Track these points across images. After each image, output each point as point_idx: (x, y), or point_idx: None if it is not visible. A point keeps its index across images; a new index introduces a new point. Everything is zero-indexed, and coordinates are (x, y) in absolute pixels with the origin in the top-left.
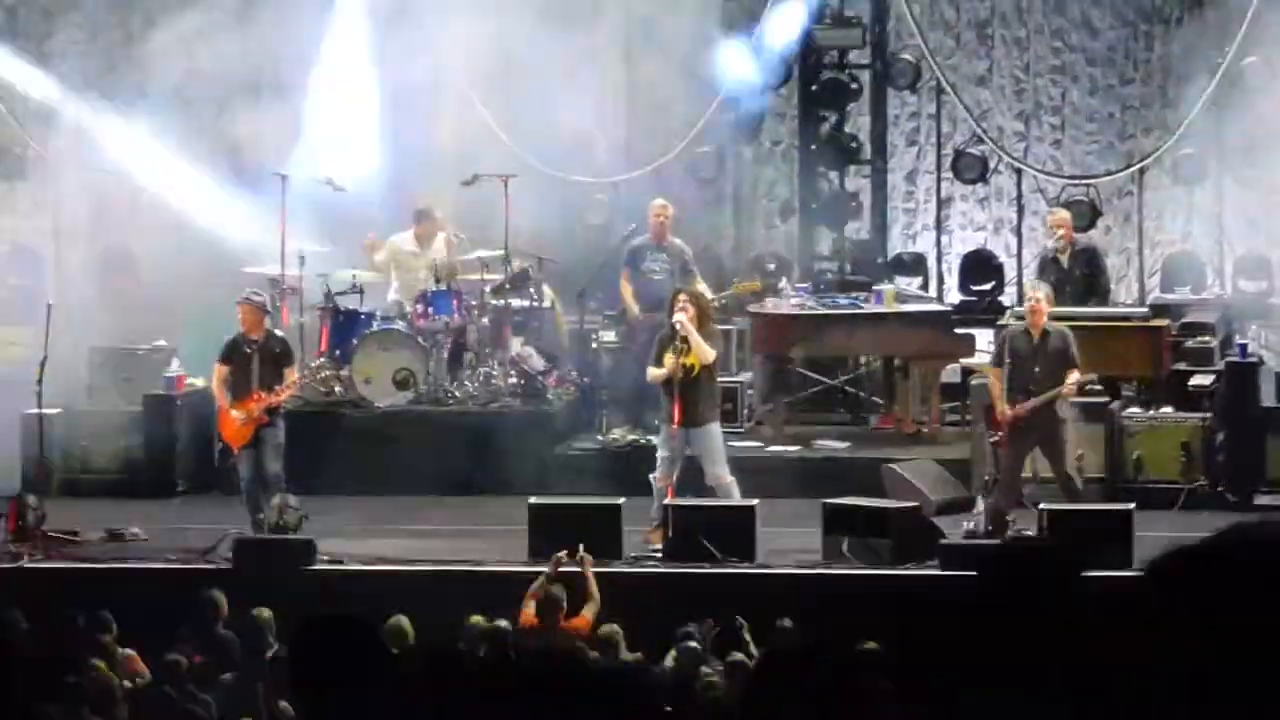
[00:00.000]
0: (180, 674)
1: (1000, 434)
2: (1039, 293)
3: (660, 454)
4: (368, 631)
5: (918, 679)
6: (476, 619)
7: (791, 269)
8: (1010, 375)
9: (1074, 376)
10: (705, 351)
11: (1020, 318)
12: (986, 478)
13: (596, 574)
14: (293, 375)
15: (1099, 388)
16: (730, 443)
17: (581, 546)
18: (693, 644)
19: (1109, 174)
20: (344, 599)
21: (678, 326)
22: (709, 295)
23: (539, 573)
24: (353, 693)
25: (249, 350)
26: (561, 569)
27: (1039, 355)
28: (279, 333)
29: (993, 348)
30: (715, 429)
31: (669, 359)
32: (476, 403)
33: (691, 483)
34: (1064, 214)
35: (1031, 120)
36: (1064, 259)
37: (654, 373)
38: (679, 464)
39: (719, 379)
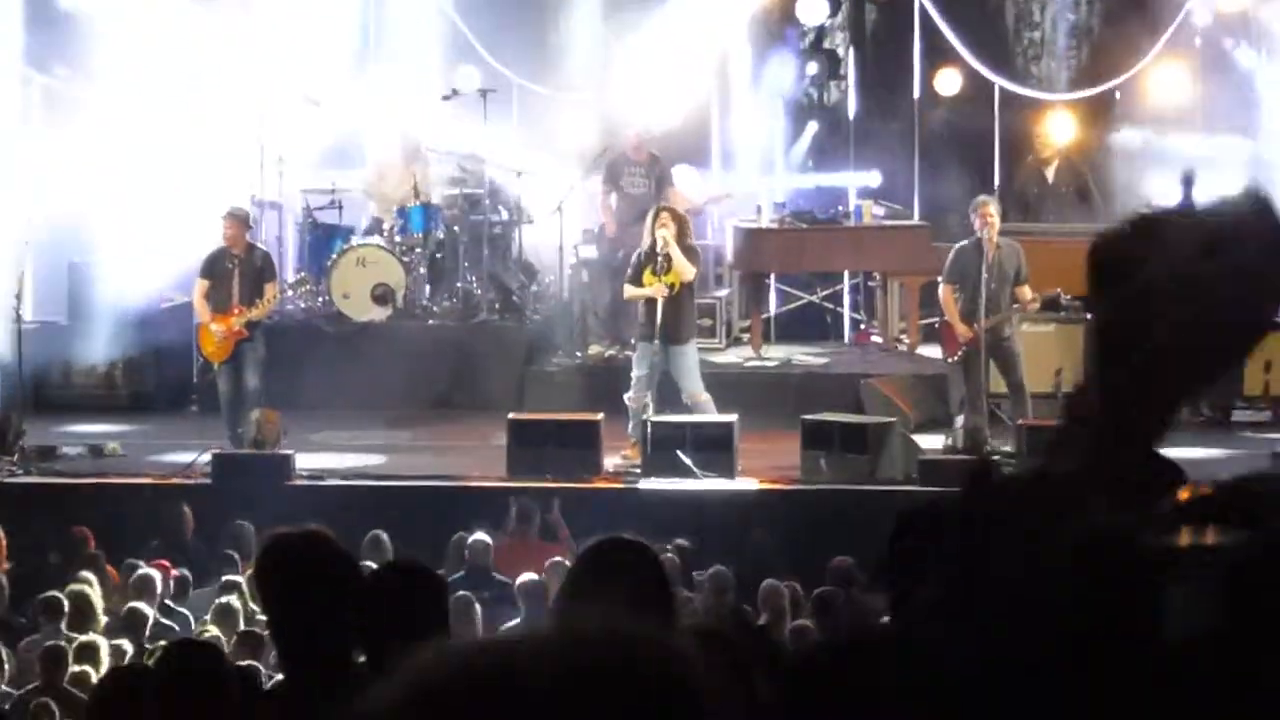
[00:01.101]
0: (155, 588)
1: (958, 353)
2: (991, 206)
3: (637, 372)
4: (334, 546)
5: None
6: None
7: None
8: (964, 292)
9: (1025, 293)
10: (686, 269)
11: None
12: (962, 393)
13: (569, 489)
14: (273, 290)
15: (1076, 303)
16: (709, 358)
17: None
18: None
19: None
20: (323, 514)
21: (659, 244)
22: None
23: (519, 487)
24: (322, 606)
25: (230, 265)
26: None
27: (991, 271)
28: (261, 247)
29: (946, 265)
30: (692, 347)
31: (649, 277)
32: (455, 318)
33: (668, 401)
34: (1048, 126)
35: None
36: (1048, 172)
37: (632, 291)
38: (655, 381)
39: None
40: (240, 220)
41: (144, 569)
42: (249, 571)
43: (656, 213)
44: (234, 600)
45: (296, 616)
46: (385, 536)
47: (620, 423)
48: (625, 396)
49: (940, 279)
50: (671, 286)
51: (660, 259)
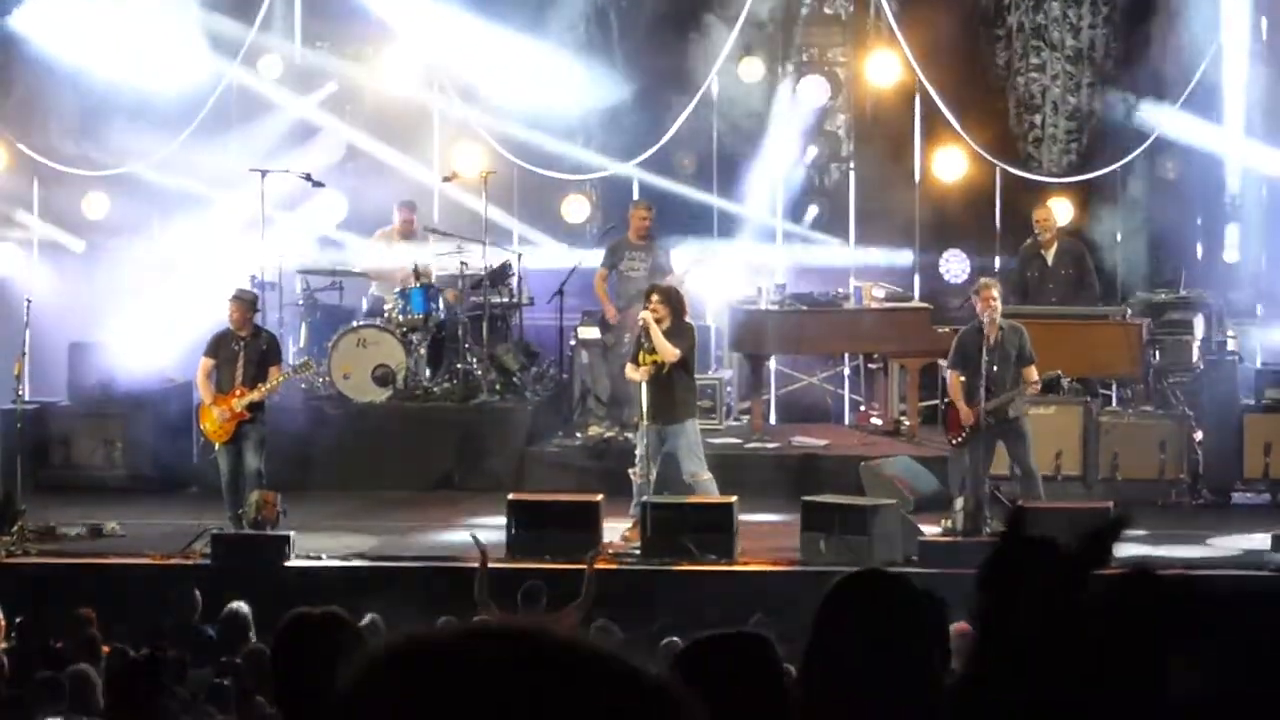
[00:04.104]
0: (155, 668)
1: (961, 435)
2: (993, 289)
3: (637, 451)
4: (352, 631)
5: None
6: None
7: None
8: (967, 375)
9: (1031, 374)
10: (666, 349)
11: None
12: (963, 475)
13: (576, 571)
14: (277, 373)
15: (1077, 386)
16: (709, 440)
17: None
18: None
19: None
20: (321, 595)
21: (640, 324)
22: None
23: (518, 569)
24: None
25: (235, 346)
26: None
27: (994, 353)
28: (267, 330)
29: (950, 350)
30: (690, 426)
31: (643, 356)
32: (455, 399)
33: (671, 480)
34: (1049, 209)
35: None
36: (1048, 255)
37: (629, 371)
38: (656, 461)
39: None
40: (247, 303)
41: (145, 649)
42: (246, 652)
43: (649, 293)
44: (229, 682)
45: (309, 695)
46: (380, 621)
47: (620, 503)
48: (630, 470)
49: (945, 364)
50: (659, 365)
51: (645, 338)
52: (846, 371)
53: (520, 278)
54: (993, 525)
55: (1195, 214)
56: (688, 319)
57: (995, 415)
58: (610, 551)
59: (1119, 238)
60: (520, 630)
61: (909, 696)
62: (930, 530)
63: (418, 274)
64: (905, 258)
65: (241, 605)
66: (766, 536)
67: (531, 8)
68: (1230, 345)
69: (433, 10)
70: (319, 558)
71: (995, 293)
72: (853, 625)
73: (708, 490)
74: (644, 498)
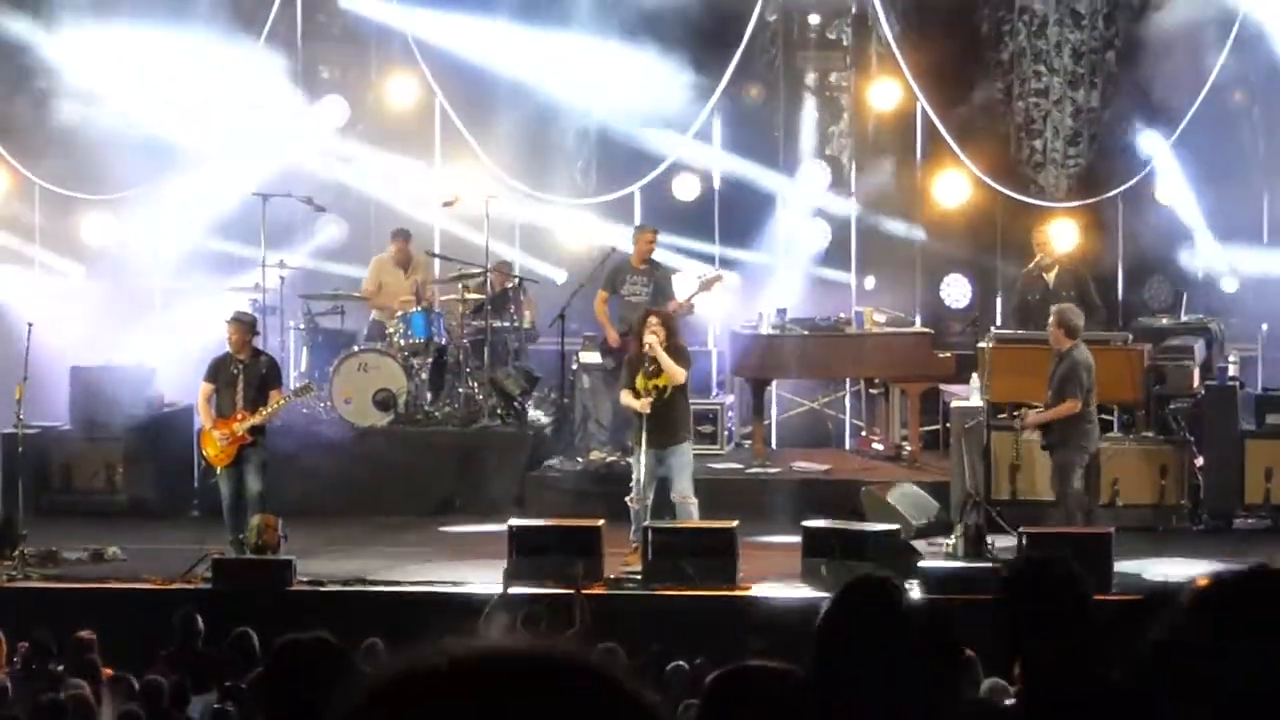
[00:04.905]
0: (159, 694)
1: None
2: (1053, 317)
3: (635, 476)
4: (342, 655)
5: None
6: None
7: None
8: None
9: (1064, 406)
10: (675, 372)
11: (1003, 340)
12: (966, 500)
13: (570, 595)
14: (278, 396)
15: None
16: (710, 464)
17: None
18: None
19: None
20: (323, 620)
21: (646, 348)
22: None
23: (518, 594)
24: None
25: (235, 370)
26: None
27: (1051, 376)
28: (266, 353)
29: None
30: (686, 448)
31: (641, 380)
32: (456, 423)
33: (668, 503)
34: (1047, 232)
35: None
36: (1050, 278)
37: (626, 398)
38: (654, 485)
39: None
40: (246, 325)
41: (149, 674)
42: (251, 678)
43: (645, 317)
44: (231, 706)
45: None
46: (380, 645)
47: (621, 528)
48: (626, 498)
49: None
50: (663, 390)
51: (649, 362)
52: (848, 396)
53: (521, 302)
54: (993, 550)
55: (1196, 239)
56: (680, 340)
57: (1054, 437)
58: (610, 577)
59: (1120, 262)
60: (509, 655)
61: (912, 703)
62: (931, 554)
63: (419, 298)
64: (906, 281)
65: (248, 630)
66: (767, 561)
67: (546, 19)
68: (1231, 371)
69: (433, 25)
70: (321, 582)
71: (1053, 320)
72: (855, 631)
73: (690, 513)
74: (645, 523)
